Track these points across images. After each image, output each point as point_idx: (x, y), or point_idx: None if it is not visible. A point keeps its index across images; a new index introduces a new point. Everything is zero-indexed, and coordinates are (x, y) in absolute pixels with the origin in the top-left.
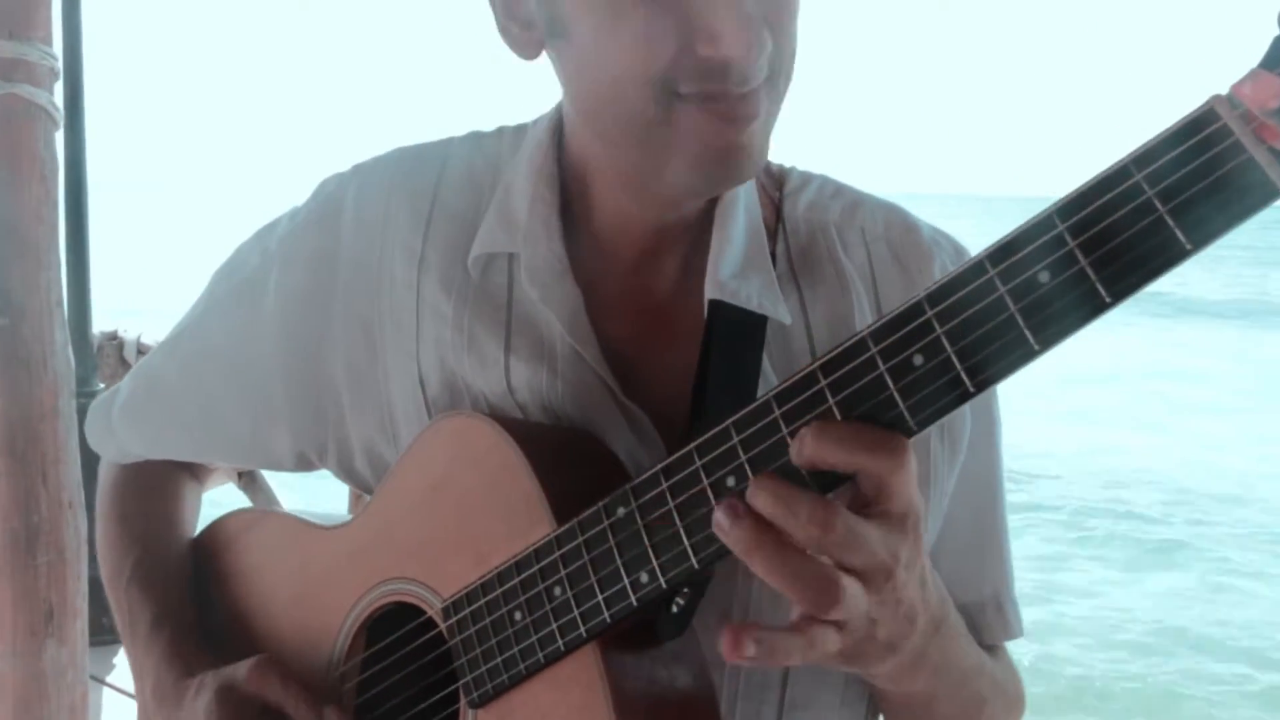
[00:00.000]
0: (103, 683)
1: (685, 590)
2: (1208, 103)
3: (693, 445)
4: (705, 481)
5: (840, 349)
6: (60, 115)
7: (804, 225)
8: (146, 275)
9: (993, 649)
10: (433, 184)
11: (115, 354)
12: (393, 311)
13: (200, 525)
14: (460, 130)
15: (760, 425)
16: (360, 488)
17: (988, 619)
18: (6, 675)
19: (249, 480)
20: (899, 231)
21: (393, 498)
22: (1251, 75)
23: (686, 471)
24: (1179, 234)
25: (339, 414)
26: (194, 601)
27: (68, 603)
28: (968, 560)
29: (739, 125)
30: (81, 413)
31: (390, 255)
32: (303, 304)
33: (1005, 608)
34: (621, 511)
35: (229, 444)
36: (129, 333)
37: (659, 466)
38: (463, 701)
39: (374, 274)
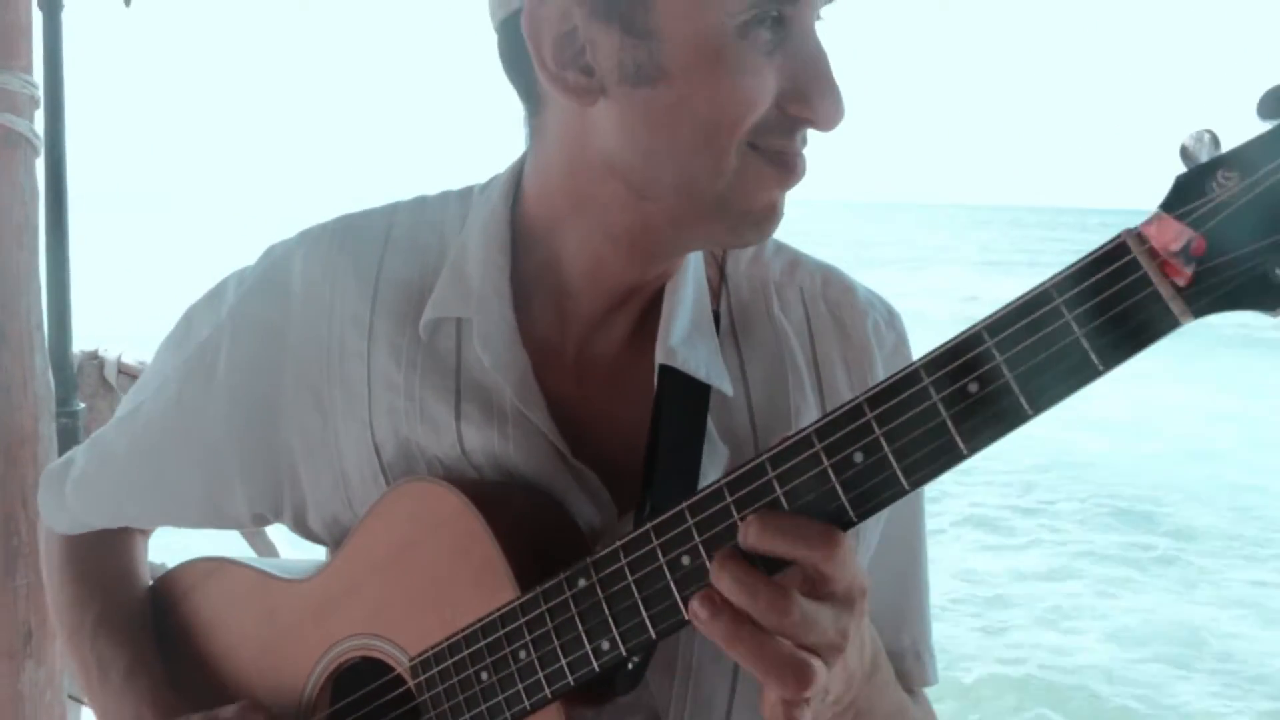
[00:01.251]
0: (81, 702)
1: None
2: (1119, 237)
3: (649, 525)
4: (662, 559)
5: (788, 443)
6: (41, 142)
7: (745, 282)
8: (127, 294)
9: (911, 694)
10: (378, 252)
11: (96, 373)
12: (344, 380)
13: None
14: (459, 134)
15: (713, 510)
16: (316, 542)
17: (907, 666)
18: None
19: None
20: (836, 291)
21: (358, 556)
22: (1156, 217)
23: (644, 550)
24: (1092, 356)
25: (294, 478)
26: (160, 650)
27: (47, 624)
28: (890, 614)
29: (789, 185)
30: (62, 433)
31: (339, 325)
32: (253, 374)
33: (923, 657)
34: (583, 583)
35: (186, 509)
36: (109, 352)
37: (618, 544)
38: None
39: (324, 344)
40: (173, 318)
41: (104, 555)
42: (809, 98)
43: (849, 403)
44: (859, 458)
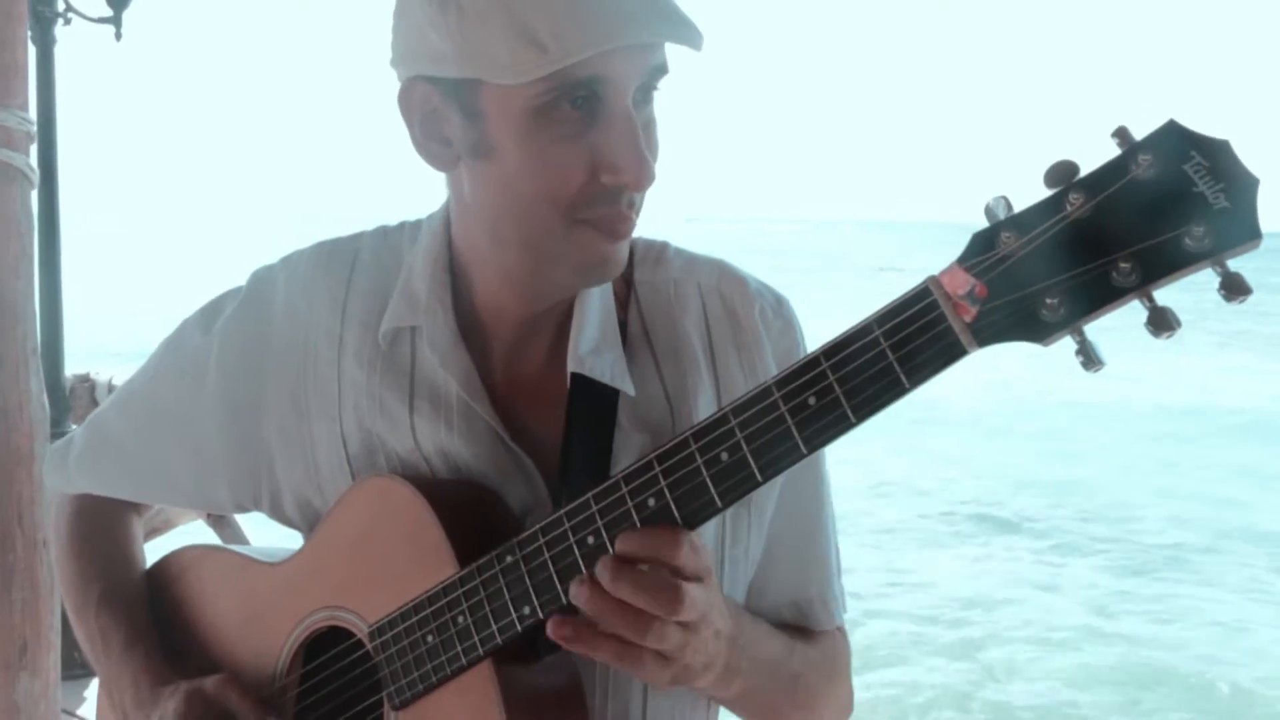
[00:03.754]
0: (74, 715)
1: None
2: (924, 283)
3: (563, 511)
4: (572, 540)
5: (670, 444)
6: (36, 176)
7: (650, 288)
8: (117, 315)
9: (821, 634)
10: (347, 273)
11: (87, 396)
12: (317, 383)
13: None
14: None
15: (612, 499)
16: (290, 526)
17: (815, 612)
18: None
19: (217, 519)
20: (728, 284)
21: (326, 541)
22: (950, 268)
23: (558, 531)
24: (902, 376)
25: (270, 469)
26: (155, 624)
27: (41, 637)
28: (794, 568)
29: (619, 240)
30: None
31: (314, 337)
32: (239, 379)
33: (829, 603)
34: (509, 559)
35: (175, 493)
36: (100, 375)
37: (538, 526)
38: (386, 706)
39: (300, 353)
40: (163, 339)
41: (106, 538)
42: (617, 166)
43: (717, 412)
44: (724, 456)
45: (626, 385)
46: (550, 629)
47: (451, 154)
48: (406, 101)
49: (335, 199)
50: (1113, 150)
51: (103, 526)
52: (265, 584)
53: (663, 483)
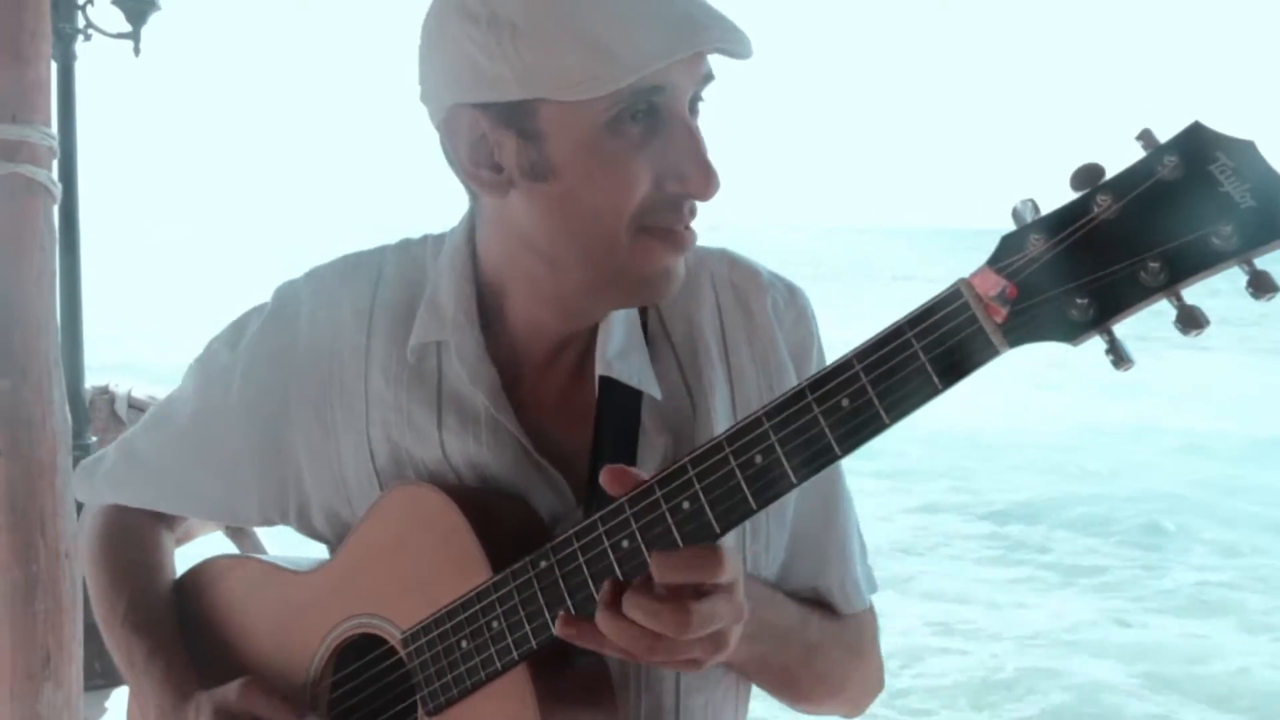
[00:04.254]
0: None
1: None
2: (955, 285)
3: (597, 515)
4: (606, 544)
5: (704, 448)
6: (59, 191)
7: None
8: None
9: (845, 616)
10: (372, 287)
11: (106, 408)
12: (343, 397)
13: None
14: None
15: (646, 503)
16: (317, 540)
17: (836, 598)
18: (5, 717)
19: (236, 531)
20: (740, 275)
21: (358, 549)
22: (981, 270)
23: (592, 536)
24: (934, 377)
25: (298, 482)
26: (182, 634)
27: (64, 648)
28: (814, 556)
29: (681, 253)
30: (78, 465)
31: (340, 352)
32: (264, 393)
33: (849, 588)
34: (544, 564)
35: (203, 507)
36: (119, 387)
37: (572, 531)
38: (420, 711)
39: (326, 368)
40: (181, 351)
41: (134, 548)
42: (684, 175)
43: (749, 416)
44: (759, 459)
45: (652, 388)
46: (558, 626)
47: (504, 179)
48: (451, 130)
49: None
50: (1137, 153)
51: (131, 537)
52: (296, 592)
53: (697, 486)
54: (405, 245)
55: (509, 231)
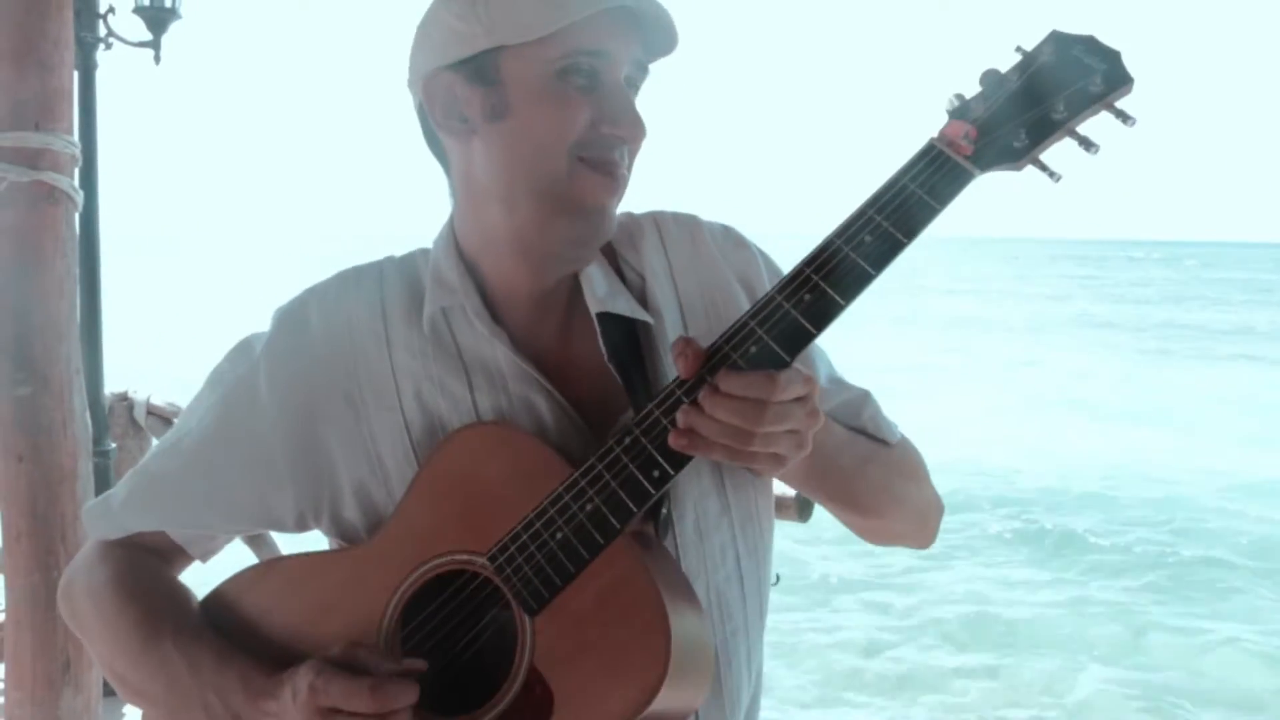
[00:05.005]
0: None
1: (666, 506)
2: (928, 142)
3: (673, 383)
4: (686, 402)
5: (734, 327)
6: (80, 198)
7: (624, 238)
8: (156, 337)
9: (890, 444)
10: (378, 286)
11: (126, 414)
12: (371, 380)
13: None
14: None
15: (718, 357)
16: (347, 537)
17: (871, 429)
18: None
19: (255, 539)
20: (681, 216)
21: (417, 502)
22: (950, 124)
23: (672, 400)
24: (931, 202)
25: (331, 473)
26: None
27: (84, 654)
28: (843, 402)
29: (613, 189)
30: (96, 472)
31: (359, 340)
32: (291, 390)
33: (879, 422)
34: (628, 439)
35: (235, 515)
36: (139, 394)
37: (652, 403)
38: (520, 615)
39: (347, 357)
40: (199, 358)
41: (160, 582)
42: (616, 119)
43: (798, 265)
44: (807, 297)
45: (644, 315)
46: (671, 438)
47: (468, 128)
48: (429, 96)
49: (371, 222)
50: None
51: (150, 574)
52: (347, 568)
53: (760, 331)
54: (397, 257)
55: (472, 191)
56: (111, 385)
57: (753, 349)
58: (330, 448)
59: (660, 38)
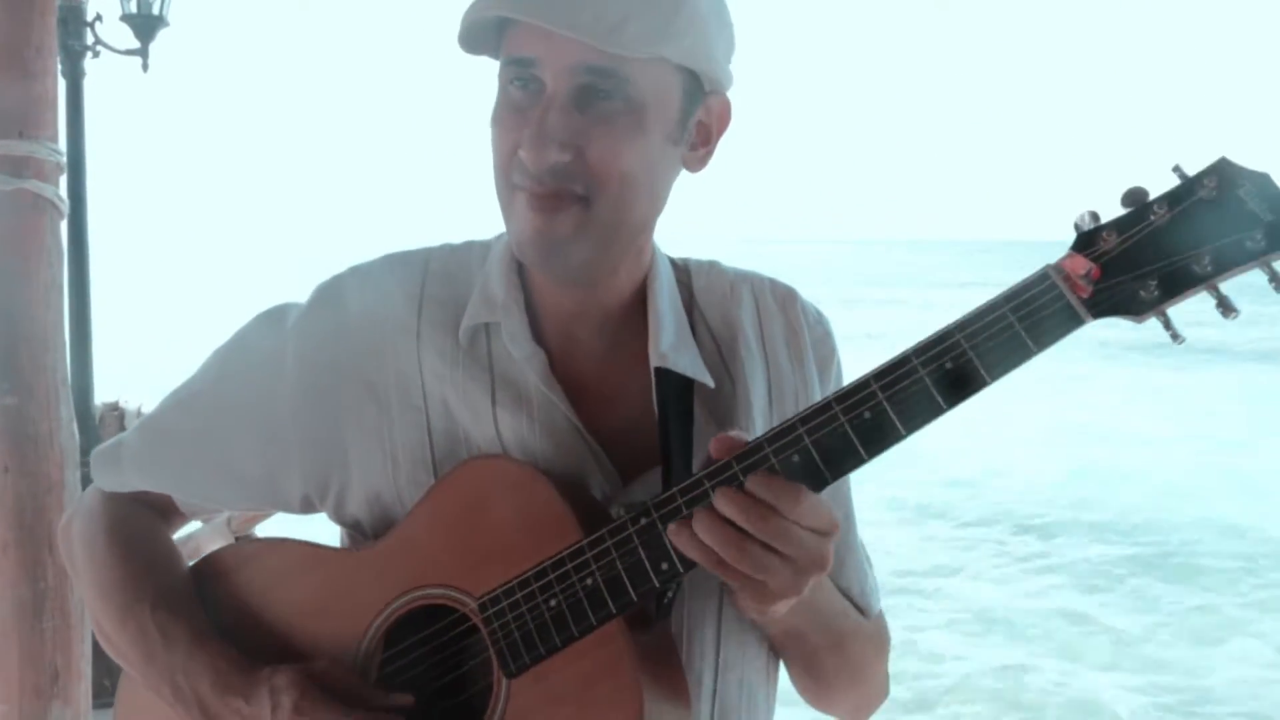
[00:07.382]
0: None
1: (671, 589)
2: (1043, 269)
3: (702, 474)
4: (712, 497)
5: (810, 410)
6: (66, 206)
7: (706, 291)
8: (145, 345)
9: (870, 616)
10: (420, 278)
11: (116, 424)
12: (397, 375)
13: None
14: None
15: (755, 459)
16: (348, 527)
17: (856, 598)
18: None
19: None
20: (780, 288)
21: (424, 521)
22: (1070, 255)
23: (698, 491)
24: (1029, 341)
25: (344, 463)
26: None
27: (72, 665)
28: (839, 559)
29: (545, 214)
30: (85, 482)
31: (391, 332)
32: (317, 371)
33: (867, 591)
34: (644, 521)
35: (242, 488)
36: (129, 403)
37: (676, 488)
38: (498, 675)
39: (377, 347)
40: (189, 367)
41: (150, 541)
42: (525, 145)
43: (821, 401)
44: (867, 415)
45: (705, 377)
46: (671, 531)
47: None
48: None
49: (367, 225)
50: (1159, 170)
51: (144, 533)
52: (343, 571)
53: (807, 440)
54: (450, 248)
55: None
56: (102, 394)
57: (795, 458)
58: (346, 438)
59: (601, 29)
